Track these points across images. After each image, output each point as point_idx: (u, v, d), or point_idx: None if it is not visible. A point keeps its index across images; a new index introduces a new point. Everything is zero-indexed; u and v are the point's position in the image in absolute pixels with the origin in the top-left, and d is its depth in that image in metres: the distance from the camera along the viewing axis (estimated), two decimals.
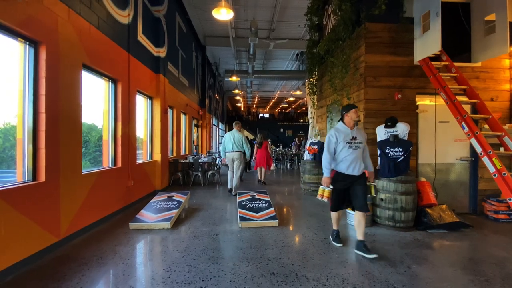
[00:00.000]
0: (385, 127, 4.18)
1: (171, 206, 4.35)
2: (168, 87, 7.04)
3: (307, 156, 6.59)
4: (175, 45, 8.05)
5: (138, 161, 5.54)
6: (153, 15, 6.29)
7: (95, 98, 4.43)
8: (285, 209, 4.97)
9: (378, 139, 4.23)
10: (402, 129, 4.02)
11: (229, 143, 6.12)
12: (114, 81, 4.64)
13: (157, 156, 6.41)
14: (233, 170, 6.16)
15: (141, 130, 6.20)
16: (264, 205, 4.44)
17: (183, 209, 4.71)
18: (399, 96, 4.51)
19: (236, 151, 6.04)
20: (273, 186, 7.43)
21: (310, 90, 7.05)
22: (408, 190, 3.85)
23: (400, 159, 3.87)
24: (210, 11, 8.48)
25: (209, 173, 7.68)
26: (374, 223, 4.08)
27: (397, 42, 4.56)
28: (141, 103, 6.11)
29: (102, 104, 4.55)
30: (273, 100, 26.81)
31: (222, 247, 3.22)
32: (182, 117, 9.42)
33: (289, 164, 12.02)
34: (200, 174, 7.31)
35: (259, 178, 7.93)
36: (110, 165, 4.57)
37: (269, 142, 12.02)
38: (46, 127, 2.95)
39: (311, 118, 8.40)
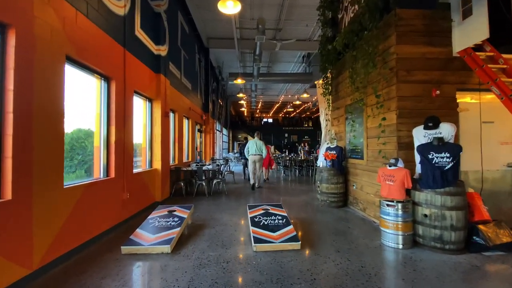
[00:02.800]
0: (425, 128, 3.53)
1: (172, 223, 3.70)
2: (170, 89, 6.47)
3: (323, 162, 5.92)
4: (177, 44, 7.52)
5: (135, 170, 4.91)
6: (153, 10, 5.75)
7: (85, 98, 3.84)
8: (303, 226, 4.28)
9: (417, 143, 3.58)
10: (447, 131, 3.36)
11: (252, 148, 7.86)
12: (107, 79, 4.06)
13: (157, 164, 5.78)
14: (253, 169, 7.81)
15: (139, 135, 5.59)
16: (281, 221, 3.77)
17: (186, 225, 4.06)
18: (437, 92, 3.87)
19: (258, 154, 7.80)
20: (284, 196, 6.75)
21: (324, 90, 6.43)
22: (459, 204, 3.17)
23: (448, 166, 3.20)
24: (214, 10, 7.98)
25: (214, 182, 7.03)
26: (416, 244, 3.39)
27: (432, 30, 3.94)
28: (139, 106, 5.52)
29: (93, 106, 3.96)
30: (277, 105, 26.27)
31: (235, 281, 2.55)
32: (185, 121, 8.83)
33: (297, 170, 11.32)
34: (204, 183, 6.66)
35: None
36: (101, 175, 3.94)
37: (271, 148, 11.64)
38: (14, 130, 2.34)
39: (324, 121, 7.76)
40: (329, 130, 7.02)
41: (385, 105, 4.04)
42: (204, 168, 6.83)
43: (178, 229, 3.54)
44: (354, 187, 5.26)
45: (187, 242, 3.55)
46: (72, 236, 3.09)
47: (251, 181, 7.82)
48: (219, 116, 16.75)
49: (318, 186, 5.66)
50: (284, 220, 3.81)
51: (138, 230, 3.52)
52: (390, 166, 3.57)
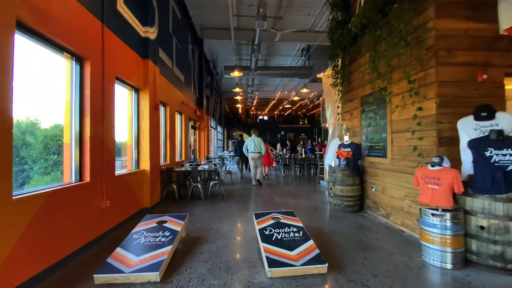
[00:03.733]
0: (476, 118, 2.88)
1: (162, 239, 2.95)
2: (160, 78, 5.67)
3: (335, 161, 5.24)
4: (167, 30, 6.70)
5: (118, 172, 4.13)
6: None
7: (49, 81, 3.03)
8: (321, 238, 3.58)
9: (464, 138, 2.92)
10: (508, 122, 2.71)
11: (251, 145, 7.83)
12: (79, 59, 3.25)
13: (145, 165, 4.99)
14: (253, 167, 7.87)
15: (124, 131, 4.80)
16: (297, 235, 3.06)
17: (180, 240, 3.31)
18: (484, 76, 3.22)
19: (256, 152, 7.78)
20: (290, 199, 6.05)
21: (334, 80, 5.74)
22: None
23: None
24: None
25: (211, 183, 6.27)
26: (468, 263, 2.74)
27: (477, 2, 3.29)
28: (124, 96, 4.72)
29: (61, 92, 3.16)
30: (273, 102, 25.56)
31: None
32: (177, 117, 8.03)
33: (298, 170, 10.66)
34: (199, 185, 5.90)
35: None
36: (72, 179, 3.15)
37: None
38: None
39: (331, 115, 7.10)
40: (339, 125, 6.36)
41: (420, 92, 3.37)
42: (199, 168, 6.07)
43: (170, 247, 2.79)
44: (374, 189, 4.60)
45: (181, 264, 2.80)
46: (25, 263, 2.31)
47: (253, 181, 7.89)
48: (214, 113, 15.94)
49: (331, 188, 4.98)
50: (301, 233, 3.11)
51: (118, 249, 2.75)
52: (433, 166, 2.90)
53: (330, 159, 6.13)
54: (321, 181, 8.09)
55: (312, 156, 10.85)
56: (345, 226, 4.10)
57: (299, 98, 14.73)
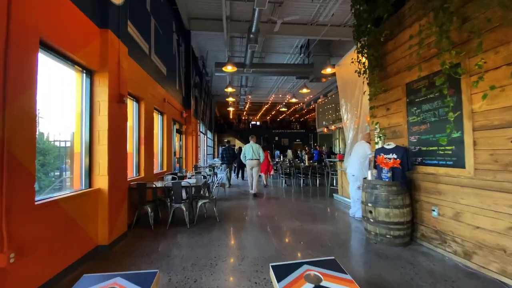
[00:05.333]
0: None
1: None
2: (129, 62, 4.15)
3: (371, 172, 3.81)
4: (144, 5, 5.23)
5: (45, 197, 2.54)
6: None
7: None
8: None
9: None
10: None
11: (249, 152, 7.18)
12: None
13: (102, 181, 3.40)
14: (251, 175, 7.19)
15: (67, 130, 3.23)
16: None
17: None
18: None
19: (255, 159, 7.12)
20: (304, 223, 4.56)
21: (363, 67, 4.37)
22: None
23: None
24: None
25: (199, 203, 4.70)
26: None
27: None
28: (66, 79, 3.17)
29: None
30: (266, 106, 24.26)
31: None
32: (157, 117, 6.48)
33: (302, 180, 9.22)
34: (184, 206, 4.34)
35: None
36: None
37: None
38: None
39: (346, 112, 5.74)
40: (367, 124, 5.00)
41: None
42: (183, 183, 4.51)
43: None
44: (435, 213, 3.20)
45: None
46: None
47: (250, 190, 7.29)
48: (203, 117, 14.40)
49: (370, 211, 3.54)
50: None
51: None
52: None
53: (355, 168, 4.74)
54: (334, 195, 6.66)
55: (316, 163, 9.44)
56: (408, 274, 2.64)
57: (297, 100, 13.44)
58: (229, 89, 10.83)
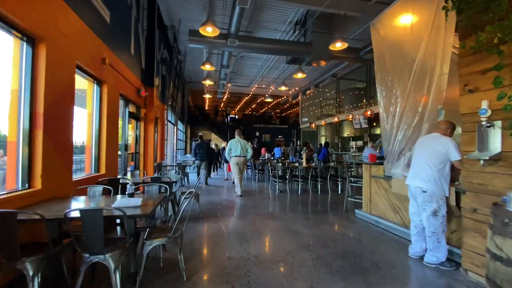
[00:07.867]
0: None
1: None
2: None
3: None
4: None
5: None
6: None
7: None
8: None
9: None
10: None
11: (237, 148, 6.43)
12: None
13: None
14: (238, 173, 6.46)
15: None
16: None
17: None
18: None
19: (242, 156, 6.46)
20: (344, 278, 2.50)
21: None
22: None
23: None
24: None
25: (151, 245, 2.39)
26: None
27: None
28: None
29: None
30: (246, 98, 21.99)
31: None
32: (92, 86, 4.00)
33: (299, 185, 7.18)
34: (110, 259, 2.02)
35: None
36: None
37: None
38: None
39: (385, 91, 3.77)
40: (438, 109, 3.04)
41: None
42: (105, 212, 2.18)
43: None
44: None
45: None
46: None
47: (237, 191, 6.57)
48: (173, 103, 11.80)
49: (501, 258, 1.56)
50: None
51: None
52: None
53: (428, 179, 2.76)
54: (357, 211, 4.70)
55: (316, 163, 7.48)
56: None
57: (286, 88, 11.38)
58: (207, 67, 8.40)
